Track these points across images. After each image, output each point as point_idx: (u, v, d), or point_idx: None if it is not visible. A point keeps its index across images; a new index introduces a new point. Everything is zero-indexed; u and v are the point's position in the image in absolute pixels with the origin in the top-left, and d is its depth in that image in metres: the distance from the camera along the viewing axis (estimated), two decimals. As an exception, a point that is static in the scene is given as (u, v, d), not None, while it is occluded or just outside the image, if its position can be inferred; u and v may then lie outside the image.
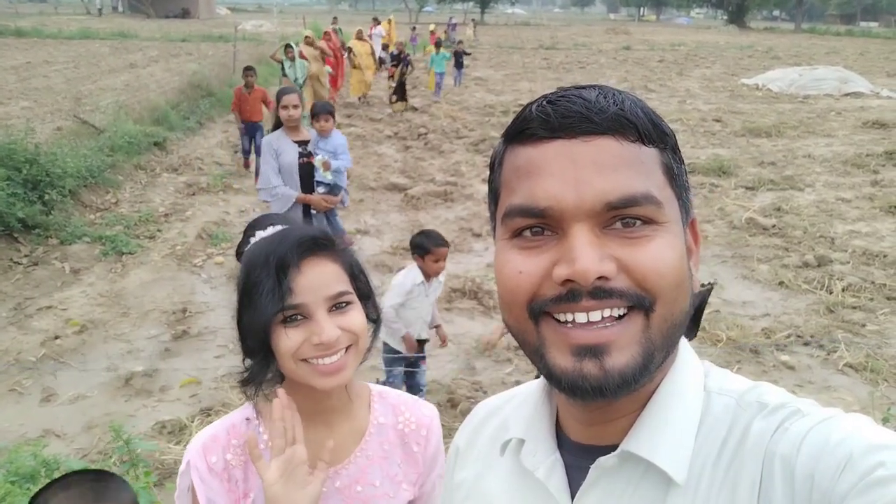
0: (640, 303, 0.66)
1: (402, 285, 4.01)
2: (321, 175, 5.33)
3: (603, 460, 0.72)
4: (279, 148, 5.12)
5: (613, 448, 0.72)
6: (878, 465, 0.57)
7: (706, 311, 4.12)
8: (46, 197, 7.23)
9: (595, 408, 0.73)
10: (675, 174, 0.71)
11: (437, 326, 4.36)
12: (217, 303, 5.87)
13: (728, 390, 0.73)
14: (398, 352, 4.18)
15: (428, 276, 4.00)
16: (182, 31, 36.08)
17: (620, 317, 0.66)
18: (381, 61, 15.07)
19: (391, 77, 14.59)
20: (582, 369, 0.66)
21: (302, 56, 12.72)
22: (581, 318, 0.66)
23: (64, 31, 34.80)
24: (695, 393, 0.73)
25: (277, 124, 5.33)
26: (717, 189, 9.36)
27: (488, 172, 0.78)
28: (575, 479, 0.76)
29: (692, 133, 13.25)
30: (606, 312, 0.66)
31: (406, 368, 4.31)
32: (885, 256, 6.82)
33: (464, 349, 5.13)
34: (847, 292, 6.03)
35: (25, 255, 6.59)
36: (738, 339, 5.23)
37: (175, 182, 9.44)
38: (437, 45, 17.36)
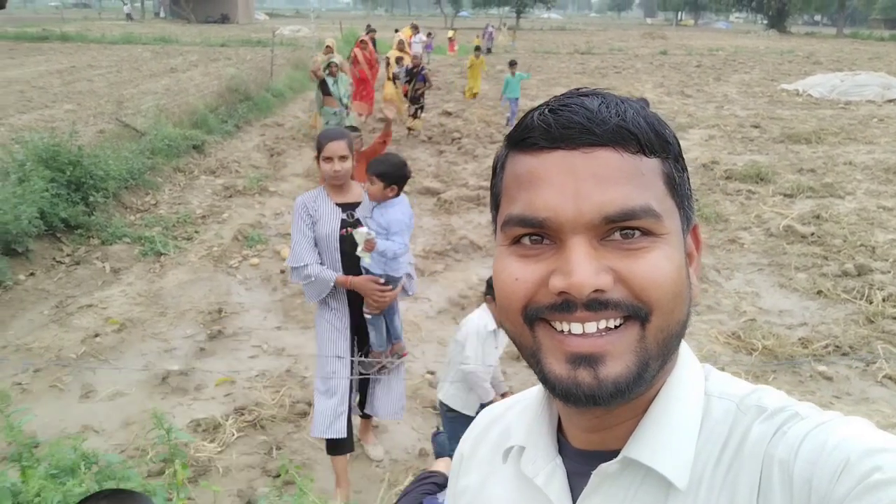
0: (636, 314, 0.66)
1: (479, 334, 3.40)
2: (360, 254, 3.47)
3: (604, 467, 0.72)
4: (317, 213, 3.58)
5: (615, 454, 0.72)
6: (876, 469, 0.58)
7: (742, 320, 4.06)
8: (91, 198, 7.41)
9: (595, 415, 0.74)
10: (677, 183, 0.71)
11: (503, 394, 3.60)
12: (252, 304, 5.96)
13: (728, 394, 0.73)
14: (469, 416, 3.45)
15: (500, 322, 3.61)
16: (221, 36, 36.66)
17: (616, 326, 0.67)
18: (395, 77, 13.40)
19: (405, 95, 12.96)
20: (576, 377, 0.66)
21: (342, 69, 11.58)
22: (577, 328, 0.67)
23: (107, 35, 35.57)
24: (695, 397, 0.73)
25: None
26: (754, 196, 9.23)
27: (491, 175, 0.79)
28: (577, 485, 0.76)
29: (729, 139, 13.08)
30: (602, 324, 0.66)
31: None
32: (928, 267, 6.66)
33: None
34: (888, 302, 5.90)
35: (68, 255, 6.76)
36: (774, 348, 5.15)
37: (212, 184, 9.60)
38: (512, 64, 14.74)
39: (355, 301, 3.65)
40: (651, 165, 0.68)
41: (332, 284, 3.51)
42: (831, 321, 5.68)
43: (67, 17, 61.40)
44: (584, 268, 0.65)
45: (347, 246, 3.55)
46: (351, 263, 3.56)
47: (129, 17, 62.42)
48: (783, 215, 8.28)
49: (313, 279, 3.51)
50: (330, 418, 3.56)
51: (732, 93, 19.93)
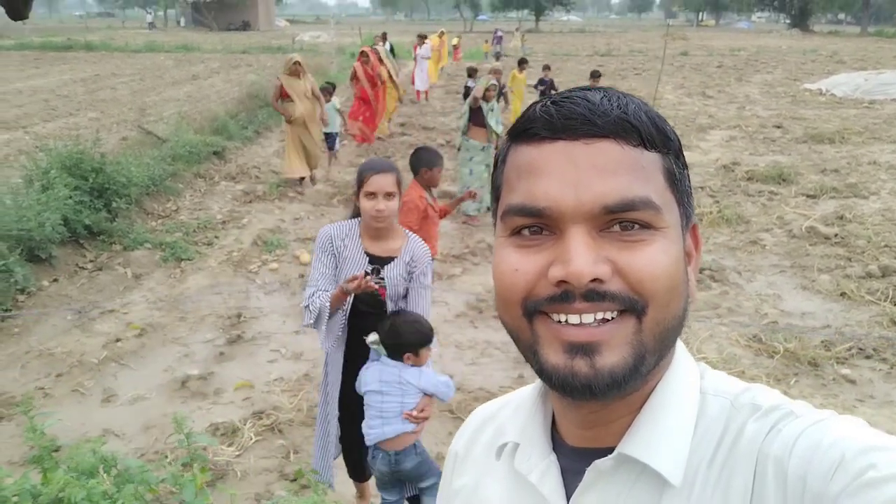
0: (632, 306, 0.66)
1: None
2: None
3: (599, 463, 0.72)
4: (342, 253, 3.05)
5: (609, 451, 0.73)
6: (870, 467, 0.58)
7: (763, 322, 4.00)
8: (113, 205, 7.51)
9: (590, 410, 0.74)
10: (677, 179, 0.71)
11: None
12: (271, 308, 6.00)
13: (723, 392, 0.73)
14: None
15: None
16: (242, 43, 37.05)
17: (612, 318, 0.67)
18: (468, 94, 11.04)
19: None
20: (573, 367, 0.67)
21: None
22: (574, 319, 0.67)
23: (130, 44, 36.10)
24: (690, 395, 0.73)
25: (355, 213, 3.17)
26: (776, 197, 9.13)
27: (492, 169, 0.79)
28: (572, 482, 0.76)
29: (751, 140, 12.96)
30: (599, 315, 0.67)
31: None
32: (954, 267, 6.54)
33: (511, 357, 5.12)
34: (913, 304, 5.81)
35: (90, 261, 6.85)
36: (796, 351, 5.08)
37: (233, 190, 9.68)
38: (595, 75, 11.85)
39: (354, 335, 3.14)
40: (651, 159, 0.69)
41: (328, 306, 2.96)
42: (855, 323, 5.59)
43: (91, 26, 62.38)
44: (582, 256, 0.65)
45: (362, 303, 3.07)
46: (361, 320, 3.08)
47: (151, 25, 63.31)
48: (806, 216, 8.18)
49: (310, 310, 3.00)
50: (321, 461, 3.40)
51: (754, 93, 19.75)
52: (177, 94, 17.93)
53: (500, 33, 31.87)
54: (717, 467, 0.68)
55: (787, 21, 77.32)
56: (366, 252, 3.04)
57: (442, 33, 20.80)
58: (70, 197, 6.92)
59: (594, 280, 0.65)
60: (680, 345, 0.77)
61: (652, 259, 0.67)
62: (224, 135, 11.96)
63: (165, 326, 5.66)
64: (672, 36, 48.89)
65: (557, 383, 0.68)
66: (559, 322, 0.68)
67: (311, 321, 3.05)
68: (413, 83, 17.96)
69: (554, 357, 0.68)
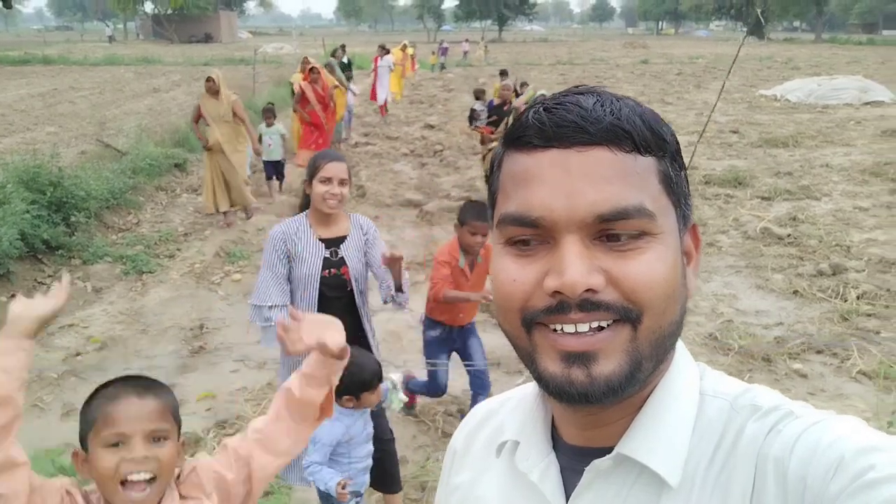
0: (626, 315, 0.67)
1: None
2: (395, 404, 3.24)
3: (598, 462, 0.72)
4: (296, 249, 3.16)
5: (609, 451, 0.73)
6: (870, 468, 0.58)
7: (719, 321, 4.11)
8: (72, 219, 7.42)
9: (589, 412, 0.74)
10: (674, 182, 0.71)
11: None
12: (233, 319, 5.98)
13: (722, 393, 0.73)
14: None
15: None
16: (205, 56, 36.78)
17: (608, 326, 0.67)
18: (474, 117, 10.50)
19: (483, 143, 9.71)
20: (570, 375, 0.67)
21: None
22: (569, 328, 0.67)
23: (90, 57, 35.60)
24: (689, 396, 0.73)
25: (305, 205, 3.35)
26: (732, 200, 9.34)
27: (488, 174, 0.80)
28: (570, 481, 0.76)
29: (709, 145, 13.22)
30: (595, 324, 0.67)
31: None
32: (902, 264, 6.77)
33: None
34: (862, 300, 5.99)
35: (49, 276, 6.76)
36: (750, 348, 5.22)
37: (194, 202, 9.61)
38: (503, 74, 12.34)
39: None
40: (646, 164, 0.68)
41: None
42: (807, 320, 5.76)
43: (50, 40, 61.32)
44: (576, 267, 0.65)
45: (328, 288, 3.17)
46: (329, 308, 3.03)
47: (111, 38, 62.43)
48: (760, 218, 8.39)
49: (272, 325, 3.01)
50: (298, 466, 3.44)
51: (712, 99, 20.13)
52: (137, 107, 17.73)
53: (445, 45, 31.90)
54: (716, 468, 0.68)
55: (744, 29, 78.94)
56: (319, 239, 3.19)
57: (405, 46, 19.80)
58: (27, 211, 6.83)
59: (588, 290, 0.66)
60: (680, 346, 0.77)
61: (647, 268, 0.67)
62: (186, 147, 11.87)
63: (127, 339, 5.61)
64: (633, 45, 49.68)
65: (555, 391, 0.69)
66: (556, 331, 0.68)
67: (261, 323, 3.16)
68: (373, 98, 16.51)
69: (551, 366, 0.68)
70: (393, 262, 3.08)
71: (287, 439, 1.73)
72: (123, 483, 1.47)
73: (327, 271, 3.17)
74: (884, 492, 0.56)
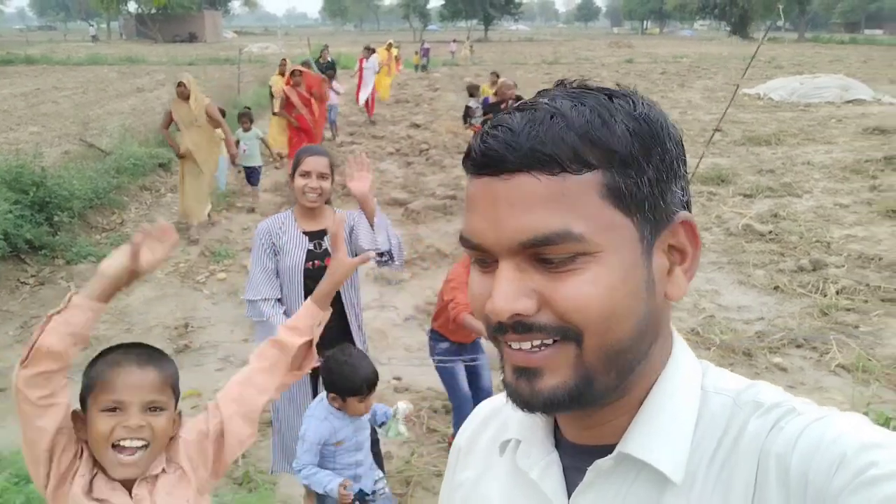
0: (565, 335, 0.67)
1: None
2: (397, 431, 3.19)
3: (599, 463, 0.73)
4: (280, 242, 3.25)
5: (611, 448, 0.73)
6: (871, 465, 0.58)
7: (701, 317, 4.14)
8: (55, 218, 7.39)
9: (582, 413, 0.74)
10: (624, 192, 0.67)
11: None
12: (219, 318, 5.99)
13: (725, 389, 0.73)
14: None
15: None
16: (189, 55, 36.62)
17: (552, 343, 0.68)
18: (469, 115, 10.47)
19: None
20: (517, 387, 0.70)
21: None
22: (514, 345, 0.69)
23: (73, 57, 35.37)
24: (691, 392, 0.73)
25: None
26: (714, 197, 9.44)
27: None
28: (573, 480, 0.76)
29: (692, 143, 13.30)
30: (535, 342, 0.68)
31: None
32: (880, 259, 6.87)
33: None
34: (841, 295, 6.08)
35: (32, 276, 6.73)
36: (731, 342, 5.29)
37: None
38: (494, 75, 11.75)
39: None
40: (580, 182, 0.66)
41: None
42: (787, 315, 5.83)
43: (32, 39, 60.85)
44: (502, 294, 0.67)
45: (312, 281, 3.05)
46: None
47: (95, 38, 62.02)
48: (742, 215, 8.48)
49: (265, 320, 3.15)
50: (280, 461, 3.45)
51: (696, 98, 20.32)
52: (121, 107, 17.65)
53: (426, 45, 31.85)
54: (718, 465, 0.68)
55: (728, 29, 79.52)
56: (303, 232, 3.26)
57: (389, 45, 19.56)
58: (10, 211, 6.79)
59: (517, 315, 0.67)
60: (680, 343, 0.77)
61: (578, 290, 0.66)
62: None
63: (111, 338, 5.59)
64: (618, 44, 49.93)
65: (508, 398, 0.72)
66: (509, 346, 0.70)
67: (256, 320, 3.23)
68: (357, 101, 16.36)
69: (507, 375, 0.72)
70: (359, 178, 3.14)
71: (260, 382, 1.78)
72: (115, 446, 1.52)
73: (311, 263, 3.22)
74: (886, 488, 0.56)
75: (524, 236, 0.66)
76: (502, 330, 0.69)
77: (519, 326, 0.67)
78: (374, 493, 2.98)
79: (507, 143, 0.66)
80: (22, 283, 6.59)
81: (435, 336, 4.03)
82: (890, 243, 7.42)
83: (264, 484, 3.68)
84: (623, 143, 0.67)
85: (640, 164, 0.68)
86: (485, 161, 0.68)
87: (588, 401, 0.69)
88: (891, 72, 27.34)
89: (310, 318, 1.81)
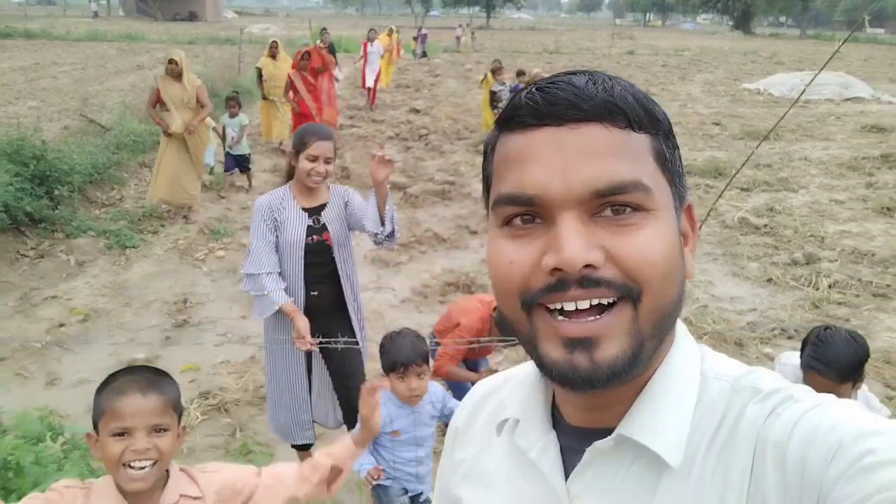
0: (628, 293, 0.66)
1: None
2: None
3: (598, 444, 0.73)
4: (281, 217, 3.31)
5: (610, 431, 0.73)
6: (868, 452, 0.58)
7: (694, 307, 4.19)
8: (55, 192, 7.41)
9: (591, 395, 0.73)
10: (668, 160, 0.70)
11: None
12: (217, 294, 6.04)
13: (723, 375, 0.73)
14: None
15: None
16: (189, 34, 36.38)
17: (610, 305, 0.66)
18: (496, 100, 10.55)
19: None
20: (573, 361, 0.67)
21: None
22: (569, 305, 0.66)
23: (72, 32, 35.11)
24: (691, 377, 0.74)
25: (289, 175, 3.47)
26: (711, 190, 9.49)
27: (482, 159, 0.79)
28: (571, 461, 0.76)
29: (690, 136, 13.38)
30: (595, 301, 0.66)
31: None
32: (873, 255, 6.94)
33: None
34: (833, 289, 6.16)
35: (32, 248, 6.77)
36: (722, 332, 5.36)
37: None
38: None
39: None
40: (640, 140, 0.68)
41: (277, 308, 3.24)
42: (779, 307, 5.91)
43: (31, 14, 60.34)
44: (574, 242, 0.65)
45: (312, 255, 3.32)
46: (315, 275, 3.34)
47: (96, 14, 61.59)
48: (738, 208, 8.54)
49: (266, 293, 3.24)
50: (294, 427, 3.56)
51: (696, 92, 20.33)
52: (121, 84, 17.58)
53: (424, 31, 31.60)
54: (716, 450, 0.69)
55: (730, 23, 79.37)
56: (302, 208, 3.35)
57: (391, 31, 19.29)
58: (10, 184, 6.81)
59: (588, 266, 0.65)
60: (681, 327, 0.77)
61: (645, 243, 0.66)
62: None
63: (110, 312, 5.65)
64: (620, 35, 49.79)
65: (557, 378, 0.68)
66: (557, 315, 0.68)
67: (255, 294, 3.32)
68: (363, 85, 16.00)
69: (553, 352, 0.68)
70: (381, 168, 3.12)
71: (291, 484, 1.94)
72: (125, 465, 1.64)
73: (310, 238, 3.32)
74: (882, 475, 0.56)
75: (599, 183, 0.66)
76: (562, 287, 0.66)
77: (586, 280, 0.65)
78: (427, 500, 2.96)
79: (575, 93, 0.67)
80: (22, 255, 6.62)
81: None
82: (883, 240, 7.51)
83: (262, 455, 3.75)
84: (664, 118, 0.72)
85: (673, 139, 0.73)
86: (552, 110, 0.67)
87: (635, 370, 0.68)
88: (891, 71, 27.41)
89: (347, 451, 2.03)
